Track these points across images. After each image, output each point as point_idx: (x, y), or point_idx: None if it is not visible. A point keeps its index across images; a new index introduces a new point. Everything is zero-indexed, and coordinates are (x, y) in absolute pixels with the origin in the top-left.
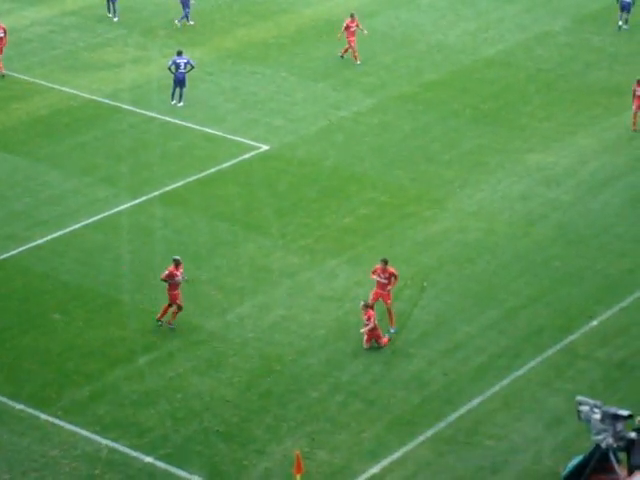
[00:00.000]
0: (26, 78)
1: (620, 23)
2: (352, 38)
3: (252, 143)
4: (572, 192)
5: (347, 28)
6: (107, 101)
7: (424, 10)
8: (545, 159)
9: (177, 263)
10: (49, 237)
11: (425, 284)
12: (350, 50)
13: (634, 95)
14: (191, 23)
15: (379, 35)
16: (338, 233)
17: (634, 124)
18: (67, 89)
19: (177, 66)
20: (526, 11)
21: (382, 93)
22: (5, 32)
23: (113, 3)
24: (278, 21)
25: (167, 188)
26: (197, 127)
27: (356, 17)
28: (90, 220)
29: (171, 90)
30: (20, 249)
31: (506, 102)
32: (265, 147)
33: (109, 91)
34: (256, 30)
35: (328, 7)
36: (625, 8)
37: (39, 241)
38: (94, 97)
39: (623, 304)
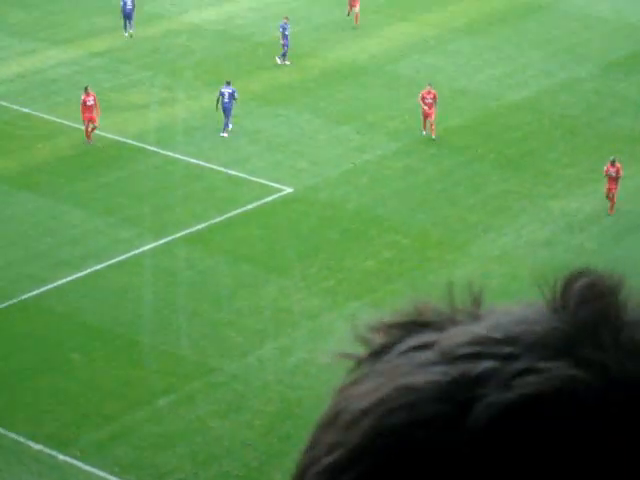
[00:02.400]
0: (51, 118)
1: None
2: (431, 111)
3: (275, 185)
4: (596, 239)
5: (423, 99)
6: (131, 142)
7: (449, 55)
8: (569, 205)
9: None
10: (71, 277)
11: None
12: (428, 122)
13: (606, 176)
14: (287, 63)
15: (404, 79)
16: (360, 276)
17: (611, 208)
18: None
19: (222, 95)
20: (552, 57)
21: (406, 137)
22: (95, 99)
23: (129, 21)
24: (303, 65)
25: (190, 229)
26: (221, 169)
27: (432, 87)
28: (112, 261)
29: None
30: (41, 289)
31: (531, 148)
32: (288, 189)
33: (134, 132)
34: (281, 73)
35: (352, 51)
36: None
37: (60, 281)
38: (118, 137)
39: None
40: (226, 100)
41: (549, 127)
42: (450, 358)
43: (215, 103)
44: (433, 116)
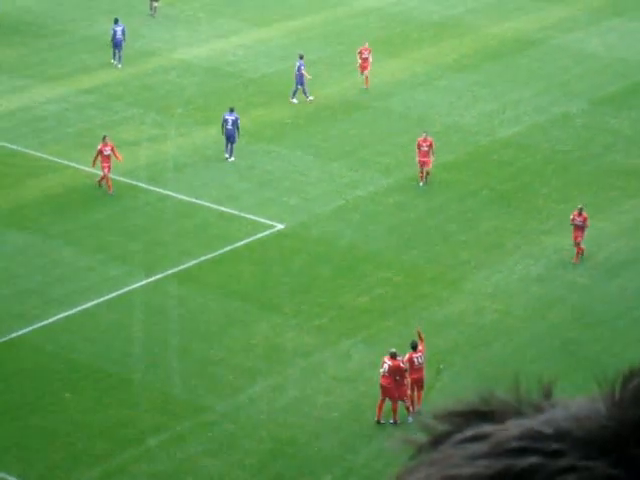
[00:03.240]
0: (40, 155)
1: None
2: (426, 159)
3: (267, 222)
4: (589, 275)
5: (419, 147)
6: (122, 179)
7: (441, 91)
8: (562, 241)
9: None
10: (61, 315)
11: (441, 367)
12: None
13: (572, 225)
14: (310, 98)
15: (395, 115)
16: (353, 313)
17: (576, 257)
18: (82, 167)
19: (225, 122)
20: (543, 93)
21: (398, 173)
22: (113, 149)
23: (119, 51)
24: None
25: (181, 267)
26: (212, 206)
27: (428, 135)
28: (103, 298)
29: (224, 145)
30: (31, 327)
31: (523, 183)
32: (280, 226)
33: (124, 169)
34: (272, 110)
35: (344, 87)
36: None
37: (50, 320)
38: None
39: None
40: (229, 126)
41: (541, 163)
42: (499, 451)
43: (220, 129)
44: (430, 164)
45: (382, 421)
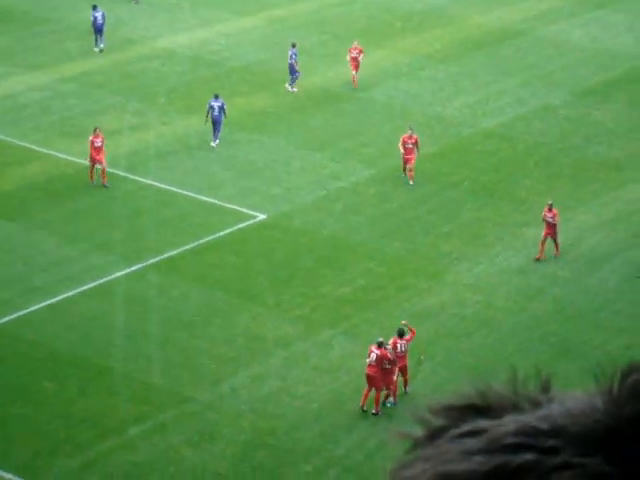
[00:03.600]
0: (22, 144)
1: None
2: (410, 156)
3: (248, 212)
4: (570, 267)
5: (403, 143)
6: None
7: (423, 82)
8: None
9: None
10: (42, 304)
11: (422, 357)
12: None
13: (544, 222)
14: (294, 90)
15: (378, 106)
16: (334, 303)
17: (541, 252)
18: (63, 155)
19: (212, 109)
20: (525, 84)
21: (380, 164)
22: (103, 141)
23: (100, 35)
24: (276, 91)
25: (162, 256)
26: (193, 195)
27: (413, 132)
28: (84, 287)
29: (212, 132)
30: (12, 316)
31: (505, 175)
32: (262, 216)
33: (106, 158)
34: (255, 99)
35: (327, 77)
36: None
37: (32, 308)
38: (100, 167)
39: None
40: (216, 113)
41: (523, 154)
42: (494, 448)
43: (205, 115)
44: (413, 161)
45: (365, 408)
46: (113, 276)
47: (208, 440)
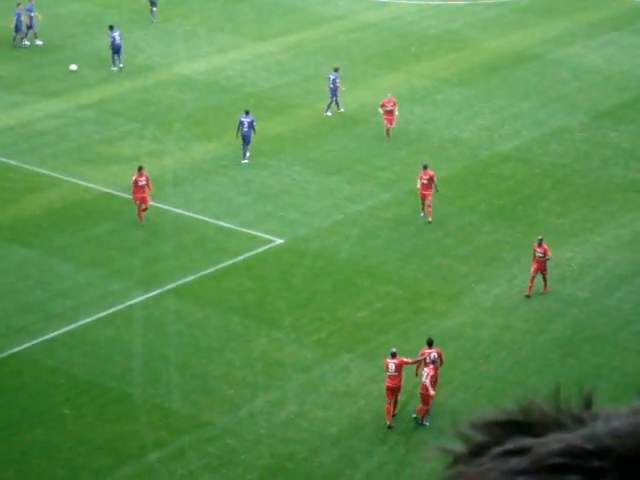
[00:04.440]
0: (40, 170)
1: None
2: (427, 192)
3: (266, 236)
4: (588, 288)
5: (420, 178)
6: (121, 194)
7: (439, 105)
8: (561, 255)
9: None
10: (60, 331)
11: (439, 381)
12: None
13: (534, 256)
14: (342, 110)
15: (394, 130)
16: (352, 327)
17: (530, 288)
18: (81, 182)
19: (241, 124)
20: (542, 107)
21: (397, 187)
22: (148, 180)
23: (119, 55)
24: (293, 115)
25: (180, 281)
26: (211, 220)
27: (429, 169)
28: (102, 313)
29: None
30: (31, 343)
31: (522, 197)
32: (279, 240)
33: (124, 184)
34: (271, 124)
35: (343, 102)
36: None
37: (50, 335)
38: (108, 190)
39: None
40: (245, 129)
41: (540, 177)
42: (539, 467)
43: (235, 132)
44: (430, 197)
45: (392, 425)
46: (131, 302)
47: (227, 465)
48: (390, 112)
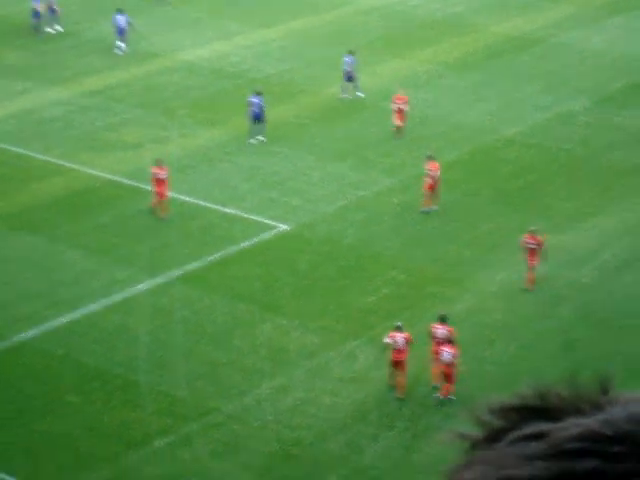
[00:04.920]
0: (45, 158)
1: None
2: (432, 183)
3: (271, 222)
4: (594, 273)
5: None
6: (127, 181)
7: (443, 90)
8: (567, 240)
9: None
10: (67, 318)
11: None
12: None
13: (527, 248)
14: (360, 95)
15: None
16: (358, 313)
17: (530, 281)
18: (86, 169)
19: (251, 104)
20: (546, 91)
21: (402, 173)
22: (167, 173)
23: (122, 37)
24: (297, 101)
25: (186, 268)
26: (216, 207)
27: (434, 160)
28: (108, 301)
29: (248, 129)
30: (37, 330)
31: (527, 182)
32: (284, 226)
33: (129, 171)
34: (275, 110)
35: (345, 87)
36: None
37: (57, 322)
38: (114, 177)
39: None
40: (255, 109)
41: (545, 161)
42: (557, 452)
43: (246, 113)
44: (435, 188)
45: (402, 396)
46: (137, 289)
47: (233, 452)
48: (401, 110)
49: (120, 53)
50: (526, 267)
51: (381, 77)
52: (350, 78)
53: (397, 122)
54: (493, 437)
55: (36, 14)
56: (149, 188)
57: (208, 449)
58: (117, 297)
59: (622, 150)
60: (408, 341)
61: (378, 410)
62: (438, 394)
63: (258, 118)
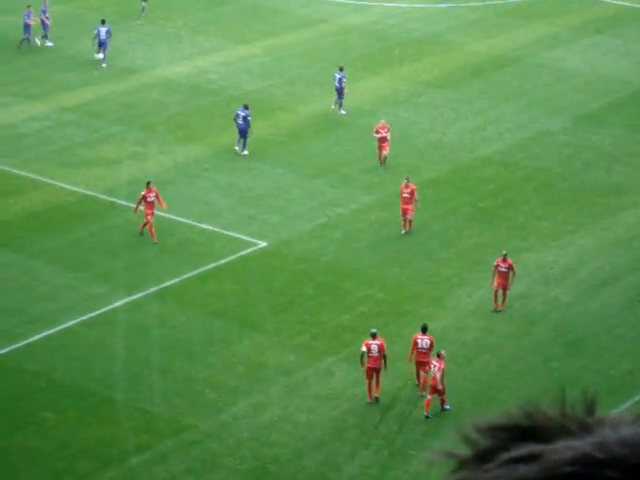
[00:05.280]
0: (22, 173)
1: None
2: (408, 207)
3: (249, 239)
4: (571, 292)
5: (401, 193)
6: (104, 197)
7: (422, 108)
8: (544, 258)
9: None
10: (42, 334)
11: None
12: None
13: (496, 271)
14: (342, 112)
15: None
16: (335, 330)
17: (496, 301)
18: (64, 185)
19: (237, 117)
20: (524, 110)
21: (380, 190)
22: (157, 196)
23: (104, 50)
24: (275, 118)
25: (163, 284)
26: (194, 223)
27: (409, 182)
28: (85, 317)
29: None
30: (12, 346)
31: (504, 200)
32: (262, 243)
33: (106, 187)
34: (254, 127)
35: (325, 104)
36: None
37: (32, 338)
38: (91, 193)
39: (623, 406)
40: (240, 122)
41: (522, 180)
42: (550, 476)
43: (234, 122)
44: (410, 212)
45: (372, 401)
46: (114, 305)
47: (210, 469)
48: (384, 139)
49: (100, 61)
50: (494, 291)
51: (361, 95)
52: (340, 94)
53: (382, 151)
54: (482, 457)
55: (27, 28)
56: (126, 204)
57: (184, 467)
58: (93, 313)
59: (599, 169)
60: (381, 349)
61: (355, 428)
62: (426, 412)
63: (243, 132)
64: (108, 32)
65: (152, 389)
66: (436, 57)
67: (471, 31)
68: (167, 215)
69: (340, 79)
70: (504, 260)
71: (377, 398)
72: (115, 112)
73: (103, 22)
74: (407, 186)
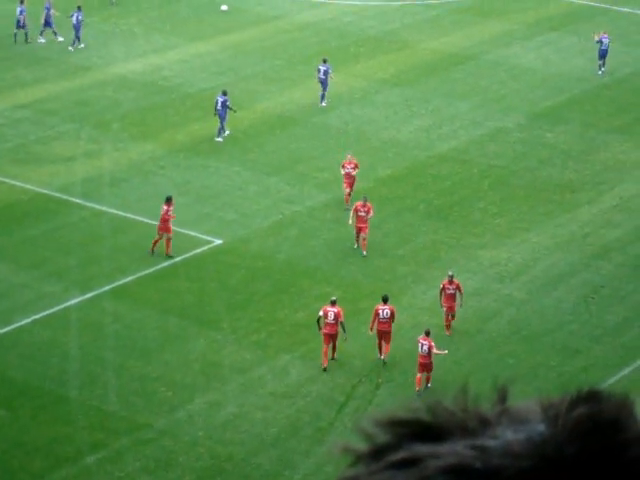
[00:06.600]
0: None
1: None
2: (363, 225)
3: (204, 237)
4: (525, 288)
5: (356, 211)
6: (58, 195)
7: (377, 106)
8: (498, 255)
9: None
10: None
11: (380, 380)
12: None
13: (442, 293)
14: (323, 104)
15: (333, 131)
16: (291, 328)
17: (448, 328)
18: (17, 182)
19: (216, 103)
20: (479, 107)
21: (336, 188)
22: (172, 211)
23: (77, 34)
24: (231, 116)
25: (117, 282)
26: (149, 221)
27: (368, 201)
28: (38, 315)
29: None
30: None
31: (460, 198)
32: (218, 241)
33: (60, 185)
34: (209, 125)
35: (281, 102)
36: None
37: None
38: (44, 190)
39: None
40: (219, 107)
41: (478, 177)
42: None
43: (213, 109)
44: (366, 231)
45: (326, 367)
46: (67, 303)
47: (164, 468)
48: (349, 175)
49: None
50: (444, 313)
51: (315, 92)
52: (324, 86)
53: (346, 189)
54: (375, 454)
55: (19, 24)
56: (80, 202)
57: (139, 465)
58: (47, 311)
59: (554, 167)
60: (337, 317)
61: (311, 425)
62: (418, 388)
63: (221, 116)
64: (77, 19)
65: (107, 387)
66: (392, 55)
67: (427, 29)
68: (122, 213)
69: (325, 71)
70: (450, 282)
71: (334, 358)
72: (69, 109)
73: (79, 8)
74: (364, 205)
